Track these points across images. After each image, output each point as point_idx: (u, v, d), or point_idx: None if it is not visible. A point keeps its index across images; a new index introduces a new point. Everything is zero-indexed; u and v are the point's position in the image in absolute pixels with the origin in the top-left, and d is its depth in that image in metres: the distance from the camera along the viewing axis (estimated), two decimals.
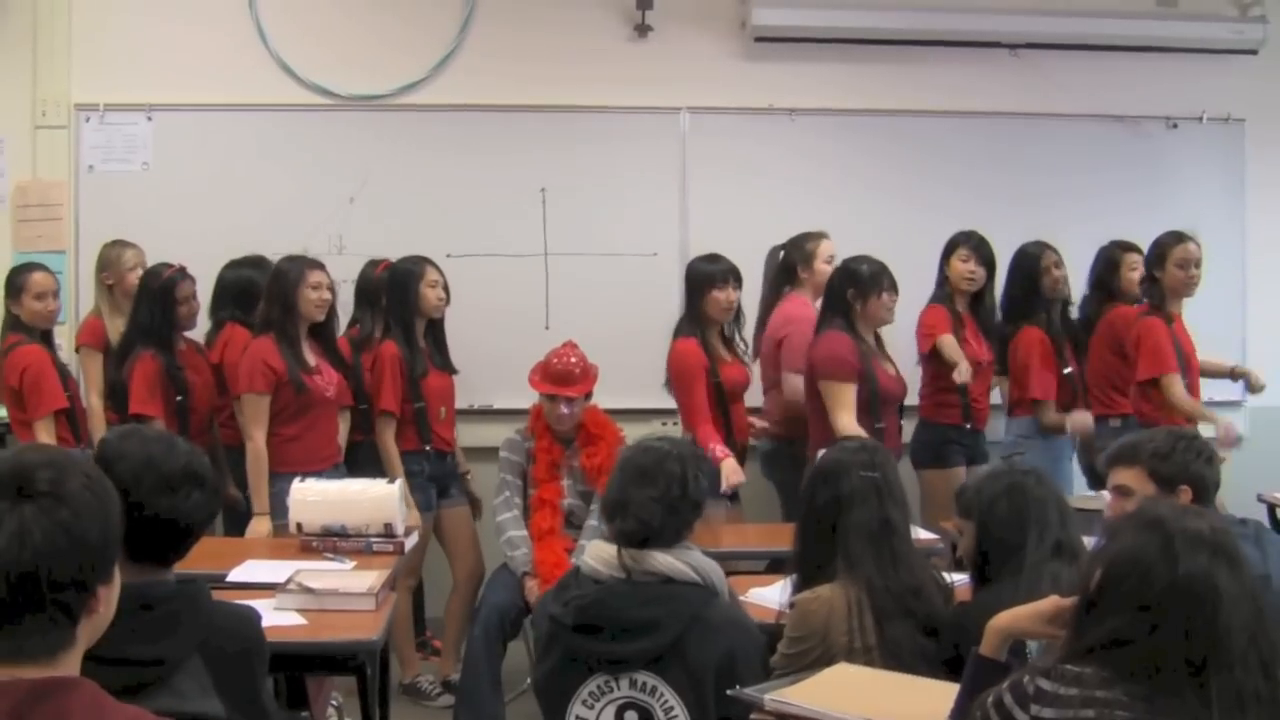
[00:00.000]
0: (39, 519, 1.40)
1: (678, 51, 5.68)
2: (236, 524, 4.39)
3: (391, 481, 3.93)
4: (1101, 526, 1.92)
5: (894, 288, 4.43)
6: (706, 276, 4.61)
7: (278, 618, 3.00)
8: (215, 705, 1.91)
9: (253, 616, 2.30)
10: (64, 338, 4.99)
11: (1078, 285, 5.08)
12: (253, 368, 4.25)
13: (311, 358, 4.35)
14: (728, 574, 2.83)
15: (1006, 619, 2.12)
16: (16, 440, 4.50)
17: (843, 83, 5.74)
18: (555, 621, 2.62)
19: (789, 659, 2.65)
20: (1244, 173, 5.97)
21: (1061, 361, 4.89)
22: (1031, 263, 4.93)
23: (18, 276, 4.56)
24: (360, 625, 3.07)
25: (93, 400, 4.68)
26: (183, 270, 4.57)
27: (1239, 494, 4.14)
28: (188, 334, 4.69)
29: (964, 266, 4.86)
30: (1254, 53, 5.84)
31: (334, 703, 3.71)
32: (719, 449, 4.36)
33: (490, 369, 5.22)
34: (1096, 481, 4.91)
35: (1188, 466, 2.74)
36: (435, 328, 4.71)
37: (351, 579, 3.33)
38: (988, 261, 4.87)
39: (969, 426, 4.79)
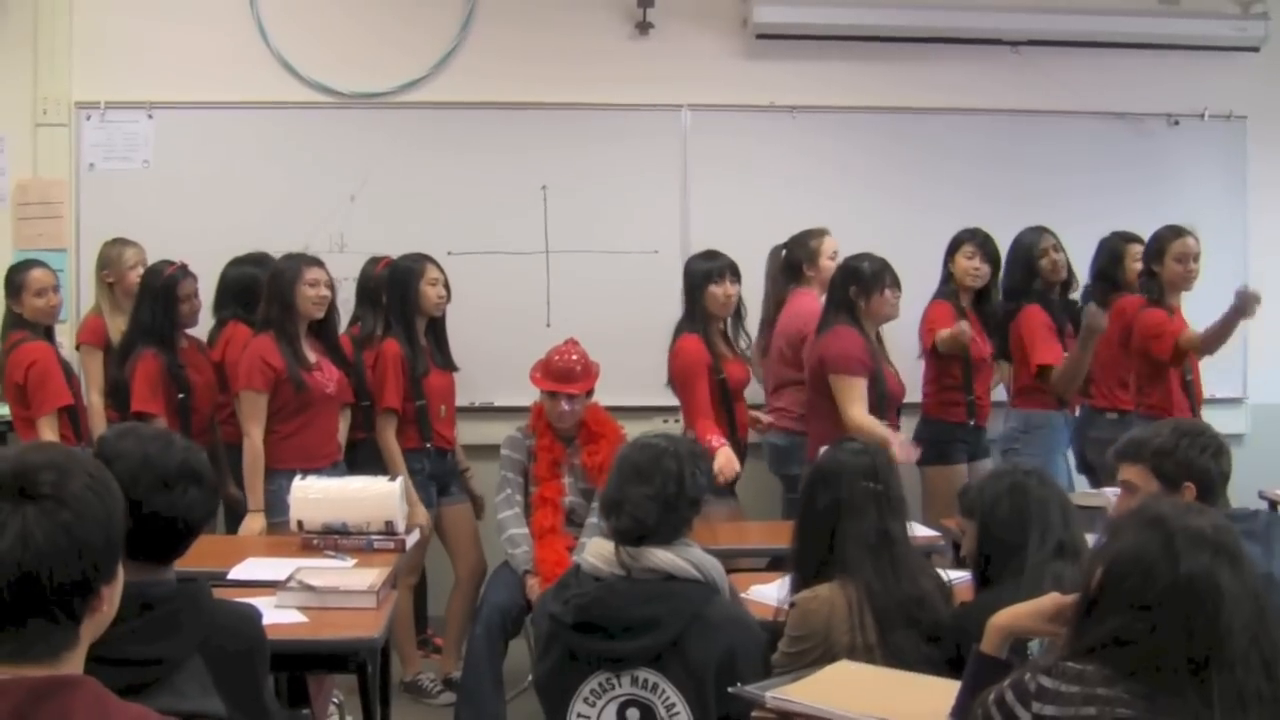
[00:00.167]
0: (41, 521, 1.40)
1: (679, 49, 5.68)
2: (238, 522, 4.38)
3: (393, 479, 3.94)
4: (1103, 525, 1.91)
5: (897, 284, 4.44)
6: (704, 273, 4.61)
7: (278, 616, 3.01)
8: (216, 704, 1.90)
9: (253, 615, 2.31)
10: (65, 336, 4.99)
11: (1081, 278, 5.09)
12: (251, 365, 4.26)
13: (312, 355, 4.35)
14: (728, 571, 2.82)
15: (1007, 616, 2.12)
16: (18, 438, 4.50)
17: (844, 80, 5.73)
18: (556, 620, 2.62)
19: (790, 658, 2.66)
20: (1246, 170, 5.97)
21: (1061, 343, 4.88)
22: (1029, 248, 4.93)
23: (17, 274, 4.56)
24: (361, 623, 3.07)
25: (93, 398, 4.68)
26: (184, 268, 4.57)
27: (1239, 492, 4.13)
28: (190, 332, 4.69)
29: (969, 263, 4.86)
30: (1256, 50, 5.83)
31: (335, 701, 3.71)
32: (715, 439, 4.35)
33: (491, 367, 5.22)
34: (1090, 473, 4.93)
35: (1191, 462, 2.72)
36: (436, 325, 4.71)
37: (352, 577, 3.33)
38: (993, 258, 4.88)
39: (972, 423, 4.80)
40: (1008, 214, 5.20)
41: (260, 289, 4.50)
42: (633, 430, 3.90)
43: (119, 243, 4.88)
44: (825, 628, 2.64)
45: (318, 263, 4.39)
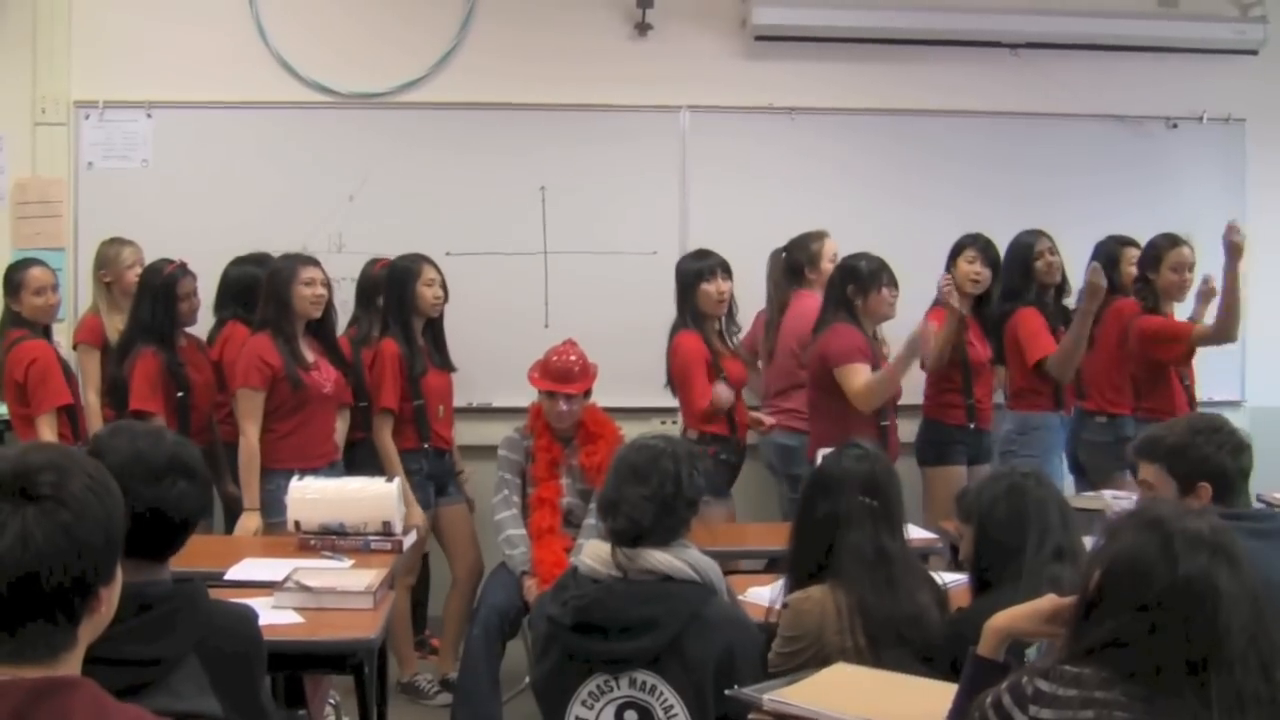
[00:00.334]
0: (41, 521, 1.40)
1: (678, 50, 5.68)
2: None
3: (390, 480, 3.93)
4: (1101, 527, 1.91)
5: (894, 283, 4.46)
6: (695, 272, 4.63)
7: (275, 616, 3.00)
8: (213, 704, 1.90)
9: (250, 615, 2.30)
10: (62, 335, 4.98)
11: (1076, 283, 5.08)
12: (249, 363, 4.26)
13: (310, 355, 4.36)
14: (726, 573, 2.82)
15: (1005, 619, 2.11)
16: (16, 437, 4.50)
17: (843, 82, 5.73)
18: (553, 621, 2.62)
19: (784, 658, 2.66)
20: (1244, 173, 5.97)
21: (1056, 342, 4.88)
22: (1026, 250, 4.93)
23: (15, 273, 4.57)
24: (358, 624, 3.06)
25: (90, 398, 4.68)
26: (183, 267, 4.57)
27: None
28: (189, 331, 4.69)
29: (970, 268, 4.87)
30: (1254, 53, 5.83)
31: (332, 701, 3.71)
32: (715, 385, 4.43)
33: (489, 367, 5.22)
34: (1080, 474, 4.94)
35: (1206, 460, 2.69)
36: (434, 326, 4.71)
37: (349, 577, 3.33)
38: (994, 263, 4.89)
39: (972, 426, 4.81)
40: (1007, 216, 5.21)
41: (260, 288, 4.50)
42: (631, 431, 3.90)
43: (116, 242, 4.88)
44: (818, 628, 2.64)
45: (314, 262, 4.40)
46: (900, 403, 4.64)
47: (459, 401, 4.92)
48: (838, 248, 4.87)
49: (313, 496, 3.80)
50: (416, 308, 4.61)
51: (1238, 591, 1.72)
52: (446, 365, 4.75)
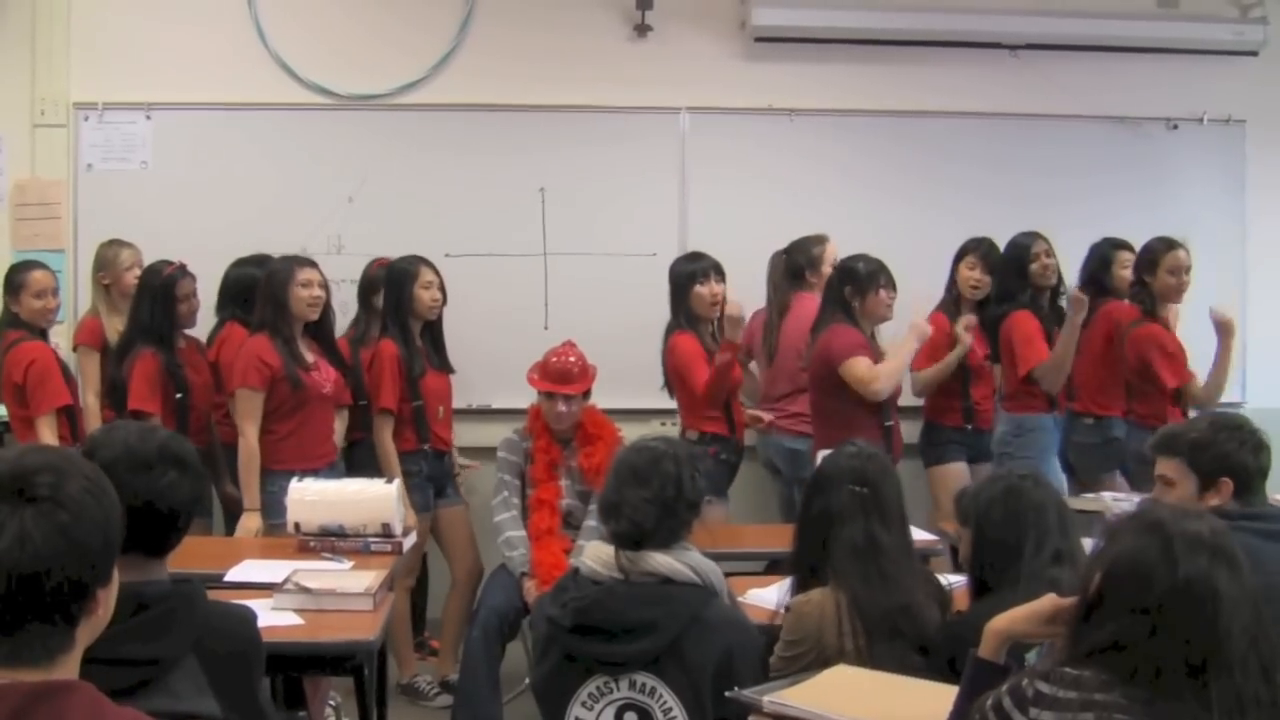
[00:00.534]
0: (39, 523, 1.40)
1: (677, 51, 5.68)
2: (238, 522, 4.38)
3: (389, 481, 3.93)
4: (1100, 529, 1.90)
5: (892, 284, 4.46)
6: (688, 274, 4.65)
7: (275, 618, 3.00)
8: (211, 705, 1.90)
9: (249, 616, 2.30)
10: (61, 337, 4.98)
11: (1074, 283, 5.08)
12: (248, 363, 4.26)
13: (309, 355, 4.36)
14: (726, 575, 2.82)
15: (1005, 621, 2.11)
16: (15, 439, 4.50)
17: (842, 83, 5.73)
18: (553, 623, 2.62)
19: (785, 661, 2.66)
20: (1244, 174, 5.97)
21: (1049, 346, 4.88)
22: (1022, 251, 4.94)
23: (17, 274, 4.56)
24: (358, 625, 3.06)
25: (89, 399, 4.67)
26: (183, 268, 4.57)
27: None
28: (188, 332, 4.69)
29: (970, 274, 4.89)
30: (1254, 54, 5.83)
31: (331, 703, 3.71)
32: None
33: (489, 369, 5.22)
34: (1071, 474, 4.94)
35: (1229, 456, 2.69)
36: (433, 327, 4.71)
37: (349, 579, 3.33)
38: (994, 268, 4.89)
39: (970, 427, 4.84)
40: (1007, 217, 5.21)
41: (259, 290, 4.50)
42: (630, 432, 3.90)
43: (115, 244, 4.88)
44: (817, 631, 2.64)
45: (311, 264, 4.39)
46: (901, 404, 4.64)
47: (458, 403, 4.92)
48: (838, 251, 4.87)
49: (312, 498, 3.79)
50: (414, 310, 4.61)
51: (1238, 594, 1.72)
52: (445, 367, 4.75)
